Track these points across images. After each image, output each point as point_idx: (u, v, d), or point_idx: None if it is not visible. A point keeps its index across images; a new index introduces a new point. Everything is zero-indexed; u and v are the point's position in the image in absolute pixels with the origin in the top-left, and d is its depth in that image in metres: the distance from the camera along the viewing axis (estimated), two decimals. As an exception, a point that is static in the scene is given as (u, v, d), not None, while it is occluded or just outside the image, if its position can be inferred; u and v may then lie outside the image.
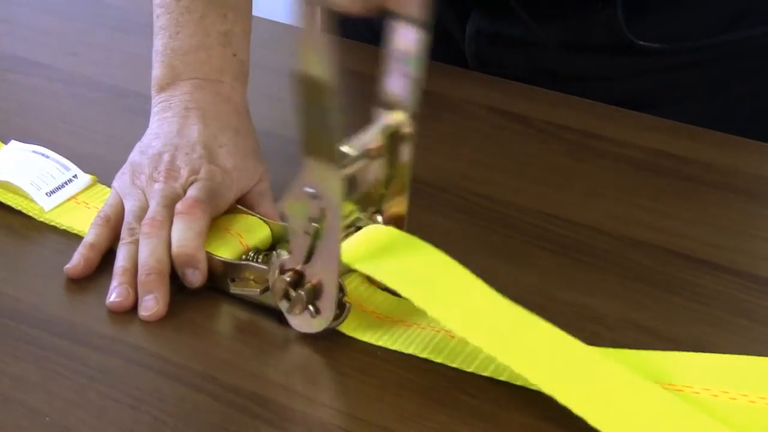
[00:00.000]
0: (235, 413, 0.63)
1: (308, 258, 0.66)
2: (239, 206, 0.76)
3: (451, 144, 0.88)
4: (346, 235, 0.69)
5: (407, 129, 0.69)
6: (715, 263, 0.74)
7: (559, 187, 0.83)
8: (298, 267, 0.67)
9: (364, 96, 0.96)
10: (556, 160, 0.86)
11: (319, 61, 0.61)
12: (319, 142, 0.64)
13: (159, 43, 0.83)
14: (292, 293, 0.67)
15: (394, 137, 0.69)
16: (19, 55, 1.01)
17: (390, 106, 0.69)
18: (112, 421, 0.62)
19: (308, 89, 0.62)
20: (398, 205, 0.71)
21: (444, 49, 0.99)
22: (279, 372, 0.67)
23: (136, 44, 1.02)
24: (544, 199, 0.81)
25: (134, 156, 0.79)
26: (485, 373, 0.65)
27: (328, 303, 0.66)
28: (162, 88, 0.82)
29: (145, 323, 0.69)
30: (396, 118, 0.69)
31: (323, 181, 0.65)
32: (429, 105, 0.93)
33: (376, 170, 0.69)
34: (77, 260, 0.73)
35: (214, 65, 0.82)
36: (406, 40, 0.67)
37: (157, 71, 0.83)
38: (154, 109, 0.81)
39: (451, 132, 0.90)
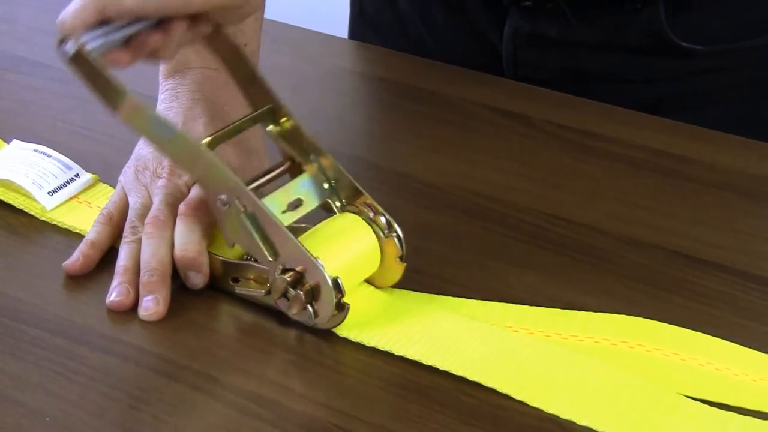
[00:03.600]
0: (235, 413, 0.63)
1: (273, 253, 0.68)
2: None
3: (451, 144, 0.88)
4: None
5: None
6: (715, 263, 0.74)
7: (559, 187, 0.83)
8: (276, 264, 0.68)
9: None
10: (556, 160, 0.86)
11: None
12: (177, 151, 0.68)
13: None
14: (291, 292, 0.67)
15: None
16: (19, 55, 1.00)
17: None
18: (112, 421, 0.62)
19: (136, 122, 0.67)
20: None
21: (480, 52, 0.99)
22: (279, 372, 0.67)
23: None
24: (544, 199, 0.81)
25: (139, 148, 0.78)
26: (482, 382, 0.65)
27: (326, 298, 0.67)
28: (170, 74, 0.81)
29: (145, 323, 0.69)
30: None
31: (213, 178, 0.68)
32: (430, 105, 0.94)
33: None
34: (76, 257, 0.73)
35: None
36: None
37: None
38: (161, 96, 0.81)
39: (452, 132, 0.90)
